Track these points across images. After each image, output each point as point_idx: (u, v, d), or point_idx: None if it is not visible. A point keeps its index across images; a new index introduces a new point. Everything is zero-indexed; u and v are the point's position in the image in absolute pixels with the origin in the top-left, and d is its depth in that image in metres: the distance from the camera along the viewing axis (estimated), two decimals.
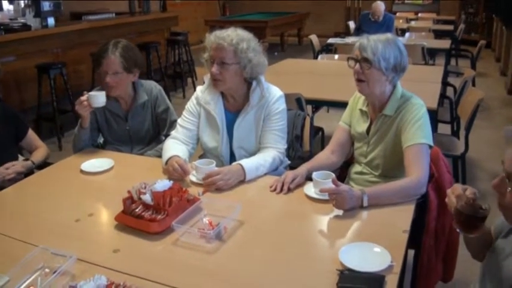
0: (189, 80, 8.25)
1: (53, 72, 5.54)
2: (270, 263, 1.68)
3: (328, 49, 7.01)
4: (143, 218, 1.88)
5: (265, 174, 2.40)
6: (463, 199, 1.57)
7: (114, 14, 7.96)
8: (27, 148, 2.90)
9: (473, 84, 5.74)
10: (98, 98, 2.64)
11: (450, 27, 9.61)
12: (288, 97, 2.75)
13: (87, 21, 7.00)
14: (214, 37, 2.43)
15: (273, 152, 2.49)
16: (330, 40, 7.29)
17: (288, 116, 2.65)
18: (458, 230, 1.61)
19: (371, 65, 2.24)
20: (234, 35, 2.42)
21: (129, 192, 1.97)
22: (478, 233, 1.60)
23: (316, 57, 6.67)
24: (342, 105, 2.74)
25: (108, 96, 2.74)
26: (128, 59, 2.76)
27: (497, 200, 1.49)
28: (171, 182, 2.04)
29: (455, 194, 1.60)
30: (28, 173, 2.65)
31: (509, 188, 1.44)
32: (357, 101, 2.52)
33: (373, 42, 2.25)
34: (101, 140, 3.04)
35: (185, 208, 1.95)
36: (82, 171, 2.47)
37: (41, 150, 2.85)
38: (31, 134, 2.89)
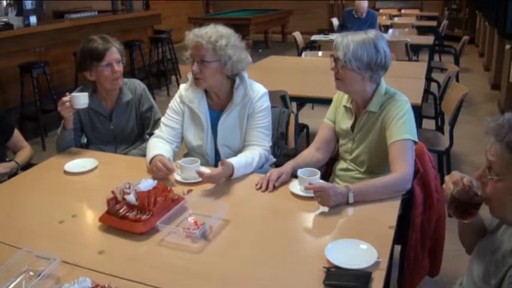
0: (173, 78, 8.22)
1: (35, 72, 5.48)
2: (256, 261, 1.68)
3: (312, 46, 7.00)
4: (128, 218, 1.86)
5: (252, 172, 2.40)
6: (459, 186, 1.58)
7: (96, 13, 7.90)
8: (13, 148, 2.88)
9: (457, 80, 5.77)
10: (81, 99, 2.61)
11: (433, 23, 9.66)
12: (272, 94, 2.74)
13: (69, 19, 6.94)
14: (193, 35, 2.42)
15: (258, 149, 2.48)
16: (314, 37, 7.29)
17: (272, 114, 2.65)
18: (452, 216, 1.62)
19: (342, 64, 2.25)
20: (212, 32, 2.40)
21: (113, 192, 1.95)
22: (472, 219, 1.61)
23: (300, 54, 6.66)
24: (326, 101, 2.73)
25: (91, 96, 2.72)
26: (121, 49, 2.82)
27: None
28: (156, 181, 2.02)
29: (452, 180, 1.62)
30: (12, 174, 2.62)
31: (489, 177, 1.46)
32: (341, 97, 2.52)
33: (346, 41, 2.24)
34: (84, 140, 3.00)
35: (170, 208, 1.93)
36: (66, 172, 2.44)
37: (25, 150, 2.83)
38: (17, 135, 2.86)
